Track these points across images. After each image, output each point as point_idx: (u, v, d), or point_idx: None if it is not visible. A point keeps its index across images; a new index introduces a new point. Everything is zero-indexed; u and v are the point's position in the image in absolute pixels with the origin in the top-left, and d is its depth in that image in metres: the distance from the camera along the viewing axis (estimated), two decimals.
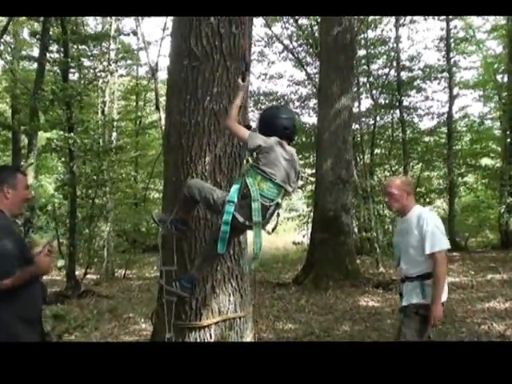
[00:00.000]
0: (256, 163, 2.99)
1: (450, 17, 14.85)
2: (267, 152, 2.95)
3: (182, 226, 3.32)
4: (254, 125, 3.40)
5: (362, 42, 14.66)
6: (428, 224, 3.37)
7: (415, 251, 3.42)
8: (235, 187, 3.00)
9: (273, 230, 3.19)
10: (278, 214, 3.17)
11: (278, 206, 3.08)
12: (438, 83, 15.72)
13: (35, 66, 11.72)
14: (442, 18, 15.03)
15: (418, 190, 15.18)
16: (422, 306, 3.36)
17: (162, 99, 11.38)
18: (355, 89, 12.53)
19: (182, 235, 3.48)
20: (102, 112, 13.15)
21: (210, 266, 3.47)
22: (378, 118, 15.56)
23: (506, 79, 15.26)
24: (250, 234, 3.21)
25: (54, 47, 10.25)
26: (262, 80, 16.06)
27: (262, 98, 15.43)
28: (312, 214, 10.75)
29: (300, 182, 15.09)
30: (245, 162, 3.36)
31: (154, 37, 22.41)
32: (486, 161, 16.33)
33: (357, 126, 14.00)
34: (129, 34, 12.12)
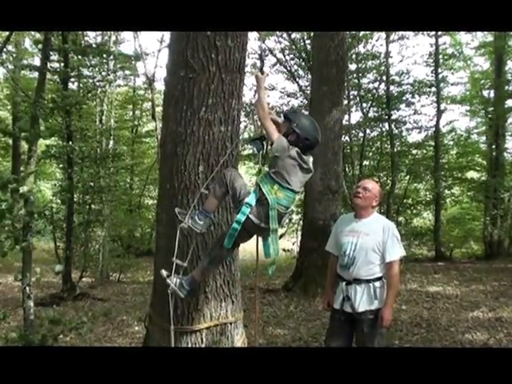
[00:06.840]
0: (273, 171, 3.00)
1: (439, 33, 15.11)
2: (284, 160, 2.97)
3: (204, 217, 3.16)
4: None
5: (354, 56, 14.97)
6: (393, 233, 3.51)
7: (374, 255, 3.46)
8: (253, 195, 3.01)
9: (281, 235, 3.25)
10: (290, 220, 3.24)
11: (292, 212, 3.17)
12: (427, 98, 15.93)
13: (36, 74, 11.86)
14: (431, 34, 15.30)
15: (405, 201, 15.57)
16: (378, 310, 3.42)
17: (158, 109, 11.48)
18: (346, 102, 12.72)
19: (202, 230, 3.24)
20: (100, 120, 13.24)
21: (214, 269, 3.46)
22: (367, 131, 15.85)
23: (492, 95, 15.50)
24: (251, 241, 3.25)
25: (54, 57, 10.34)
26: (256, 91, 16.21)
27: (254, 108, 15.49)
28: (302, 222, 10.87)
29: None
30: (259, 168, 3.35)
31: (151, 48, 22.84)
32: (471, 174, 16.59)
33: (347, 138, 14.26)
34: (131, 57, 12.28)
